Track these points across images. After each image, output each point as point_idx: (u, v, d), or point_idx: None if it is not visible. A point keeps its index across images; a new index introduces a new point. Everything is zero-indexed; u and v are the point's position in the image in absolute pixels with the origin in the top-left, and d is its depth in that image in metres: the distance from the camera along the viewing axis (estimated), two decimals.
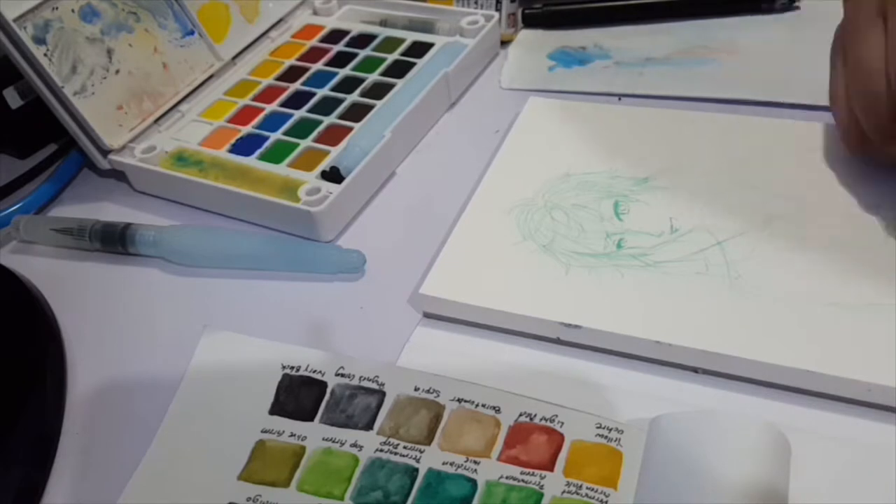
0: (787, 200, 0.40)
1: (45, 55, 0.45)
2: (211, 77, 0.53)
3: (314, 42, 0.56)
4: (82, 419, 0.37)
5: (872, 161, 0.39)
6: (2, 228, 0.48)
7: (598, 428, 0.33)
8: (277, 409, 0.36)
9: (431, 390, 0.35)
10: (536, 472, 0.32)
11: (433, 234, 0.43)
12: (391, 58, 0.53)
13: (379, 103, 0.49)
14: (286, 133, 0.49)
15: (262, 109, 0.51)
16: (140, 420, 0.36)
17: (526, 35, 0.57)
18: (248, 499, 0.33)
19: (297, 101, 0.51)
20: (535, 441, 0.33)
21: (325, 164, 0.46)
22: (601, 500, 0.31)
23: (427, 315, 0.39)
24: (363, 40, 0.56)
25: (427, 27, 0.55)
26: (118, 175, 0.50)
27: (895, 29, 0.34)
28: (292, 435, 0.35)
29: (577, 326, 0.36)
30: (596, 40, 0.55)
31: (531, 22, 0.57)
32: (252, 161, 0.47)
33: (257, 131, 0.49)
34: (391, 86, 0.51)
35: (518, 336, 0.37)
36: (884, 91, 0.35)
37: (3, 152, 0.55)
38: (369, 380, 0.36)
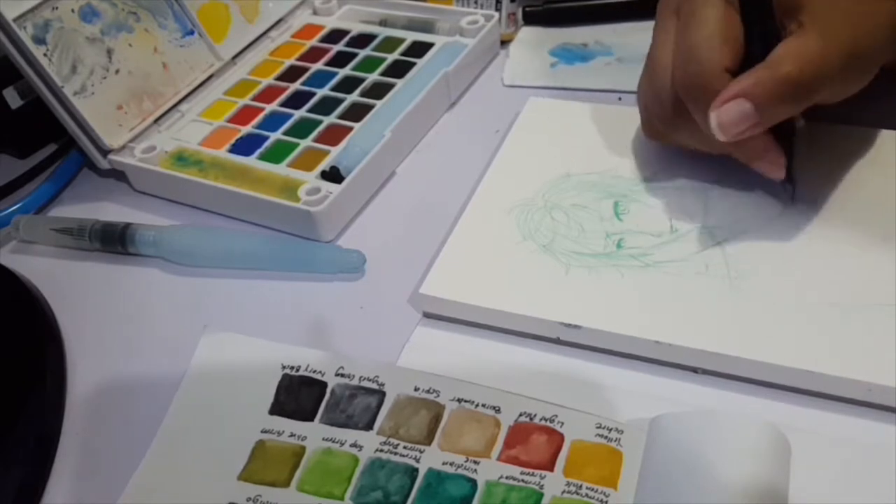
0: (788, 200, 0.40)
1: (45, 55, 0.45)
2: (211, 77, 0.53)
3: (314, 42, 0.56)
4: (82, 419, 0.37)
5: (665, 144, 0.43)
6: (2, 228, 0.48)
7: (598, 428, 0.33)
8: (277, 409, 0.36)
9: (431, 390, 0.35)
10: (536, 472, 0.32)
11: (433, 234, 0.43)
12: (391, 58, 0.53)
13: (379, 103, 0.49)
14: (286, 133, 0.49)
15: (262, 109, 0.51)
16: (140, 420, 0.36)
17: (527, 32, 0.57)
18: (248, 499, 0.33)
19: (297, 100, 0.51)
20: (535, 441, 0.33)
21: (325, 164, 0.46)
22: (601, 500, 0.31)
23: (427, 315, 0.39)
24: (363, 40, 0.56)
25: (427, 27, 0.55)
26: (118, 175, 0.50)
27: (684, 27, 0.38)
28: (292, 435, 0.35)
29: (577, 326, 0.36)
30: (597, 37, 0.55)
31: (532, 19, 0.57)
32: (252, 161, 0.47)
33: (257, 131, 0.49)
34: (391, 86, 0.51)
35: (518, 336, 0.37)
36: (668, 84, 0.38)
37: (3, 152, 0.55)
38: (369, 380, 0.36)
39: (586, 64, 0.53)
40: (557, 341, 0.37)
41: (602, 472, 0.32)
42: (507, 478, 0.32)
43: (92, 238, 0.45)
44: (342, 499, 0.32)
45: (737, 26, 0.36)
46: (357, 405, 0.35)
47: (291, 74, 0.54)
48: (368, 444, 0.34)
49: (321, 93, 0.51)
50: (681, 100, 0.37)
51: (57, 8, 0.46)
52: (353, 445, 0.34)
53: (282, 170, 0.46)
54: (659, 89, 0.39)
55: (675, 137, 0.41)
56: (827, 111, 0.43)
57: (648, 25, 0.54)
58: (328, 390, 0.36)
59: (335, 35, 0.57)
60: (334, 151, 0.47)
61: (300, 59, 0.55)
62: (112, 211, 0.48)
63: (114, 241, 0.44)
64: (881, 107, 0.43)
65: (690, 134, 0.39)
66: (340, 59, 0.54)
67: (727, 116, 0.35)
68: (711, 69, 0.36)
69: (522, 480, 0.32)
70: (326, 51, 0.55)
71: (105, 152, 0.48)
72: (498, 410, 0.34)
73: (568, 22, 0.56)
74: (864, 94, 0.38)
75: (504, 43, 0.56)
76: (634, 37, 0.54)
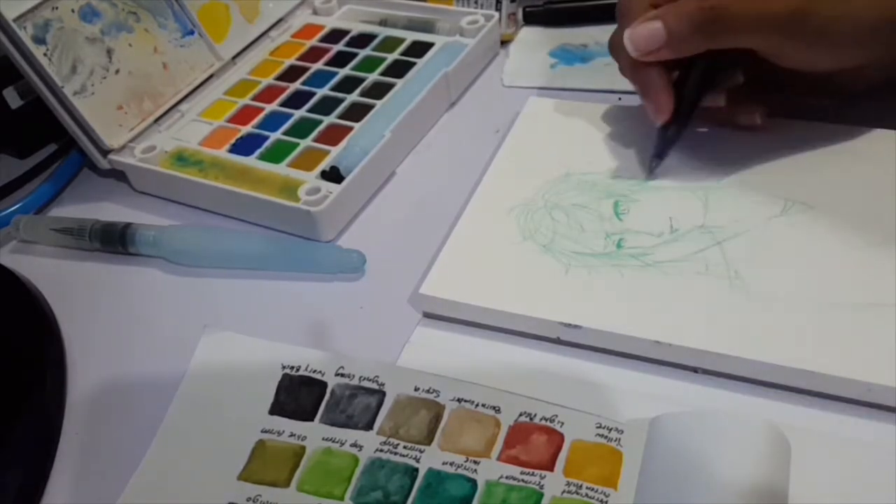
0: (787, 200, 0.40)
1: (45, 55, 0.45)
2: (211, 77, 0.53)
3: (314, 42, 0.56)
4: (82, 419, 0.37)
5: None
6: (2, 228, 0.48)
7: (598, 428, 0.33)
8: (277, 409, 0.36)
9: (431, 390, 0.35)
10: (536, 471, 0.32)
11: (433, 234, 0.43)
12: (391, 57, 0.53)
13: (379, 103, 0.49)
14: (286, 133, 0.49)
15: (262, 109, 0.51)
16: (140, 420, 0.36)
17: (527, 33, 0.57)
18: (248, 499, 0.33)
19: (297, 100, 0.51)
20: (535, 441, 0.33)
21: (325, 164, 0.46)
22: (601, 500, 0.31)
23: (427, 315, 0.39)
24: (363, 40, 0.56)
25: (427, 27, 0.55)
26: (118, 175, 0.50)
27: None
28: (292, 435, 0.35)
29: (577, 326, 0.36)
30: (597, 38, 0.55)
31: (532, 20, 0.57)
32: (252, 161, 0.47)
33: (257, 131, 0.49)
34: (391, 85, 0.51)
35: (518, 336, 0.37)
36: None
37: (3, 152, 0.55)
38: (369, 380, 0.36)
39: (586, 64, 0.53)
40: (557, 341, 0.37)
41: (602, 472, 0.32)
42: (507, 478, 0.32)
43: (92, 238, 0.45)
44: (342, 499, 0.32)
45: None
46: (357, 405, 0.35)
47: (291, 74, 0.54)
48: (368, 444, 0.34)
49: (321, 93, 0.51)
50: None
51: (57, 8, 0.46)
52: (353, 445, 0.34)
53: (282, 170, 0.46)
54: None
55: (620, 55, 0.43)
56: (828, 111, 0.43)
57: None
58: (328, 390, 0.36)
59: (335, 35, 0.57)
60: (334, 151, 0.47)
61: (300, 58, 0.55)
62: (112, 211, 0.48)
63: (114, 241, 0.44)
64: (879, 106, 0.43)
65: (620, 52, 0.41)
66: (340, 59, 0.54)
67: (637, 34, 0.38)
68: (640, 2, 0.40)
69: (522, 480, 0.32)
70: (326, 51, 0.55)
71: (105, 152, 0.48)
72: (498, 410, 0.34)
73: (568, 22, 0.57)
74: (863, 95, 0.38)
75: (504, 43, 0.56)
76: None
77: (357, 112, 0.49)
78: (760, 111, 0.42)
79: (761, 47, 0.38)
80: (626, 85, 0.47)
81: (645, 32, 0.38)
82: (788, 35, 0.37)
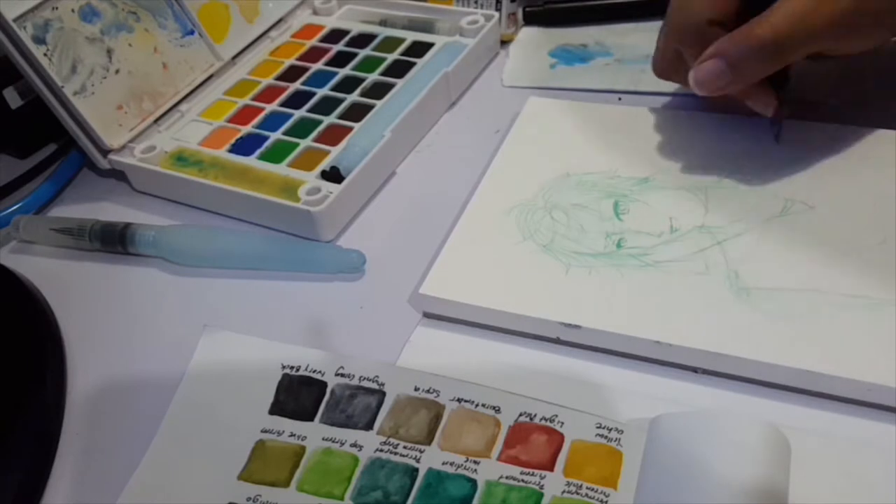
0: (787, 200, 0.40)
1: (45, 55, 0.45)
2: (211, 77, 0.53)
3: (314, 42, 0.56)
4: (82, 419, 0.37)
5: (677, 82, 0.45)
6: (2, 228, 0.48)
7: (598, 428, 0.33)
8: (277, 408, 0.36)
9: (431, 390, 0.35)
10: (536, 472, 0.32)
11: (433, 234, 0.43)
12: (391, 58, 0.53)
13: (379, 103, 0.49)
14: (286, 133, 0.49)
15: (262, 109, 0.51)
16: (140, 420, 0.36)
17: (527, 33, 0.57)
18: (248, 499, 0.33)
19: (297, 100, 0.51)
20: (535, 441, 0.33)
21: (325, 164, 0.46)
22: (601, 500, 0.31)
23: (427, 315, 0.39)
24: (363, 40, 0.56)
25: (427, 27, 0.55)
26: (118, 175, 0.50)
27: None
28: (292, 435, 0.35)
29: (577, 326, 0.36)
30: (597, 38, 0.55)
31: (532, 20, 0.57)
32: (252, 161, 0.47)
33: (257, 131, 0.49)
34: (391, 86, 0.51)
35: (518, 336, 0.37)
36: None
37: (3, 152, 0.55)
38: (369, 380, 0.36)
39: (586, 64, 0.53)
40: (557, 341, 0.37)
41: (602, 472, 0.32)
42: (507, 478, 0.32)
43: (92, 238, 0.45)
44: (342, 499, 0.32)
45: None
46: (357, 405, 0.35)
47: (291, 74, 0.54)
48: (368, 443, 0.34)
49: (321, 93, 0.51)
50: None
51: (57, 8, 0.46)
52: (353, 445, 0.34)
53: (282, 170, 0.46)
54: (663, 28, 0.42)
55: (673, 77, 0.43)
56: (829, 111, 0.43)
57: (647, 26, 0.55)
58: (328, 390, 0.36)
59: (335, 35, 0.57)
60: (334, 151, 0.47)
61: (300, 59, 0.55)
62: (112, 211, 0.48)
63: (114, 241, 0.44)
64: (881, 107, 0.43)
65: (683, 76, 0.41)
66: (340, 59, 0.54)
67: (702, 74, 0.38)
68: (696, 20, 0.39)
69: (522, 480, 0.32)
70: (326, 51, 0.55)
71: (105, 152, 0.48)
72: (498, 410, 0.34)
73: (568, 22, 0.57)
74: (863, 94, 0.38)
75: (504, 43, 0.56)
76: (634, 37, 0.54)
77: (357, 112, 0.49)
78: (775, 99, 0.41)
79: (820, 51, 0.37)
80: (626, 85, 0.47)
81: (709, 74, 0.38)
82: (845, 34, 0.37)
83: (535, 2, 0.57)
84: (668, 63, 0.43)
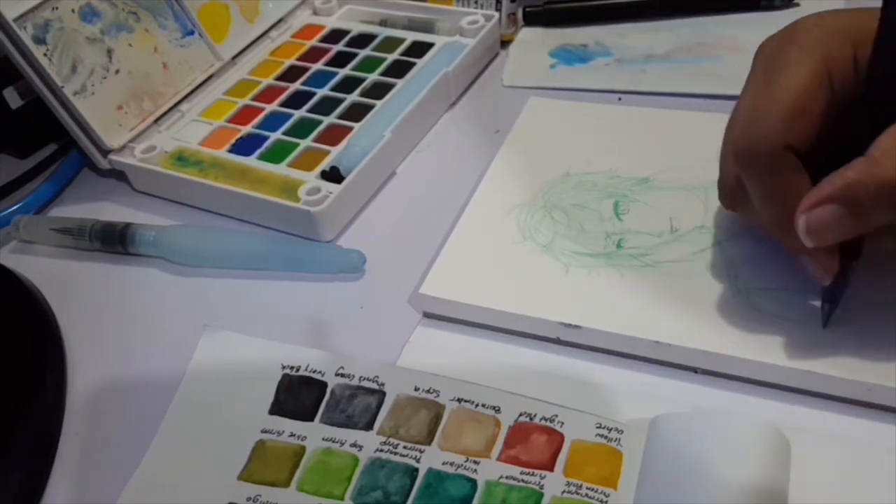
0: None
1: (45, 55, 0.45)
2: (211, 77, 0.53)
3: (314, 42, 0.56)
4: (82, 419, 0.37)
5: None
6: (2, 228, 0.48)
7: (598, 428, 0.33)
8: (277, 408, 0.36)
9: (431, 390, 0.35)
10: (536, 472, 0.32)
11: (433, 234, 0.43)
12: (391, 58, 0.53)
13: (379, 103, 0.49)
14: (286, 133, 0.49)
15: (262, 109, 0.51)
16: (140, 420, 0.36)
17: (527, 33, 0.57)
18: (248, 499, 0.33)
19: (297, 100, 0.51)
20: (535, 441, 0.33)
21: (325, 164, 0.46)
22: (601, 500, 0.31)
23: (427, 315, 0.39)
24: (363, 40, 0.56)
25: (427, 27, 0.55)
26: (118, 175, 0.50)
27: (762, 84, 0.33)
28: (292, 435, 0.35)
29: (576, 326, 0.36)
30: (597, 38, 0.55)
31: (532, 20, 0.57)
32: (252, 161, 0.47)
33: (257, 131, 0.49)
34: (391, 86, 0.51)
35: (518, 336, 0.37)
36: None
37: (3, 152, 0.55)
38: (369, 380, 0.36)
39: (586, 64, 0.53)
40: (557, 341, 0.37)
41: (602, 472, 0.32)
42: (507, 478, 0.32)
43: (92, 238, 0.45)
44: (342, 499, 0.32)
45: (821, 98, 0.31)
46: (357, 405, 0.35)
47: (291, 74, 0.53)
48: (368, 443, 0.34)
49: (321, 93, 0.51)
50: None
51: (57, 8, 0.46)
52: (353, 445, 0.34)
53: (282, 170, 0.46)
54: (725, 149, 0.35)
55: (736, 206, 0.36)
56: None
57: (647, 26, 0.55)
58: (328, 390, 0.36)
59: (335, 35, 0.57)
60: (334, 151, 0.47)
61: (300, 59, 0.55)
62: (112, 211, 0.48)
63: (114, 241, 0.44)
64: None
65: (746, 209, 0.35)
66: (340, 59, 0.54)
67: (817, 222, 0.30)
68: (770, 144, 0.31)
69: (522, 480, 0.32)
70: (326, 51, 0.55)
71: (105, 152, 0.48)
72: (498, 410, 0.34)
73: (568, 22, 0.57)
74: None
75: (504, 43, 0.56)
76: (634, 37, 0.54)
77: (357, 112, 0.49)
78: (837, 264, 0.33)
79: None
80: (626, 85, 0.47)
81: (826, 221, 0.30)
82: None
83: (535, 2, 0.57)
84: (727, 186, 0.36)
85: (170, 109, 0.51)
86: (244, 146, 0.48)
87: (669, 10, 0.55)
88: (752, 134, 0.32)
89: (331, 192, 0.43)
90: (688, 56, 0.52)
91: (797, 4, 0.52)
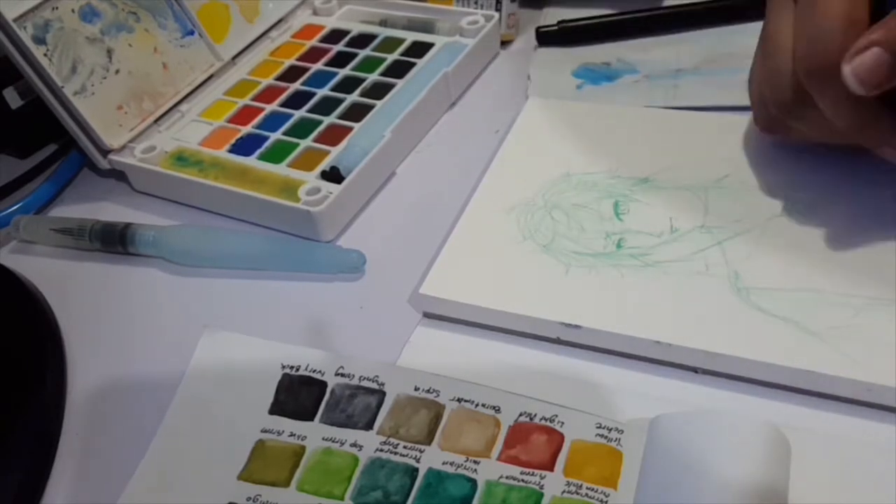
0: (787, 200, 0.40)
1: (45, 55, 0.45)
2: (211, 77, 0.53)
3: (314, 42, 0.56)
4: (82, 419, 0.37)
5: (781, 140, 0.41)
6: (2, 228, 0.48)
7: (598, 428, 0.33)
8: (277, 408, 0.36)
9: (431, 390, 0.35)
10: (536, 471, 0.32)
11: (433, 234, 0.43)
12: (391, 58, 0.53)
13: (379, 103, 0.49)
14: (286, 133, 0.49)
15: (262, 109, 0.51)
16: (140, 420, 0.36)
17: (544, 54, 0.54)
18: (248, 499, 0.33)
19: (297, 101, 0.51)
20: (535, 441, 0.33)
21: (325, 164, 0.46)
22: (601, 500, 0.31)
23: (427, 315, 0.39)
24: (363, 40, 0.56)
25: (427, 27, 0.55)
26: (118, 175, 0.50)
27: (806, 9, 0.36)
28: (292, 435, 0.35)
29: (577, 326, 0.36)
30: (618, 55, 0.52)
31: (547, 40, 0.54)
32: (252, 161, 0.47)
33: (257, 131, 0.49)
34: (391, 86, 0.51)
35: (518, 336, 0.37)
36: (789, 68, 0.36)
37: (3, 152, 0.55)
38: (369, 379, 0.36)
39: (613, 83, 0.50)
40: (557, 341, 0.37)
41: (602, 472, 0.32)
42: (507, 478, 0.32)
43: (92, 238, 0.45)
44: (342, 499, 0.32)
45: (863, 5, 0.34)
46: (357, 405, 0.35)
47: (291, 74, 0.53)
48: (368, 443, 0.34)
49: (321, 93, 0.51)
50: (803, 87, 0.35)
51: (57, 8, 0.46)
52: (353, 445, 0.34)
53: (282, 170, 0.46)
54: (777, 76, 0.37)
55: (794, 127, 0.39)
56: None
57: (665, 40, 0.52)
58: (328, 390, 0.36)
59: (335, 35, 0.57)
60: (334, 151, 0.47)
61: (300, 59, 0.55)
62: (112, 211, 0.48)
63: (114, 241, 0.44)
64: None
65: (811, 123, 0.37)
66: (340, 60, 0.54)
67: (863, 69, 0.33)
68: (838, 55, 0.33)
69: (522, 480, 0.32)
70: (326, 51, 0.55)
71: (105, 152, 0.48)
72: (498, 410, 0.34)
73: (585, 41, 0.54)
74: None
75: (504, 44, 0.56)
76: (657, 52, 0.52)
77: (357, 112, 0.49)
78: None
79: None
80: (662, 101, 0.45)
81: (871, 66, 0.32)
82: None
83: (548, 23, 0.55)
84: (788, 110, 0.38)
85: (170, 109, 0.51)
86: (244, 146, 0.48)
87: (685, 23, 0.52)
88: (817, 49, 0.34)
89: (331, 193, 0.43)
90: (718, 68, 0.49)
91: None
